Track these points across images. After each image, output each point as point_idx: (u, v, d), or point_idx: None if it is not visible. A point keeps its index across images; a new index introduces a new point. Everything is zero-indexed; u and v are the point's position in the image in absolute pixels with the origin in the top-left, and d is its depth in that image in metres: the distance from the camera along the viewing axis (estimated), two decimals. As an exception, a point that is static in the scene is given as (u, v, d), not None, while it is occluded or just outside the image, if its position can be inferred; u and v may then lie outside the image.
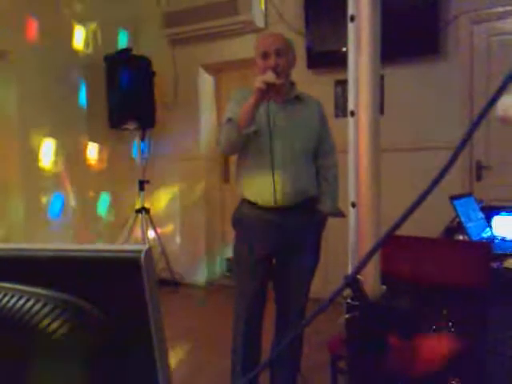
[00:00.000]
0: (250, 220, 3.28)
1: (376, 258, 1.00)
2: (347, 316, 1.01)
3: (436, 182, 0.82)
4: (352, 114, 1.02)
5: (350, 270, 1.05)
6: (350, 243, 1.06)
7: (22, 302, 0.80)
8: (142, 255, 0.77)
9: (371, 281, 1.02)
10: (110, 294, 0.82)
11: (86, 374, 0.81)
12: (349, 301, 1.00)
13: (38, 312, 0.79)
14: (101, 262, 0.81)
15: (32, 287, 0.81)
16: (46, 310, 0.79)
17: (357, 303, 0.99)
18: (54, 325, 0.78)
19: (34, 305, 0.79)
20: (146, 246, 0.78)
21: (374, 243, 0.98)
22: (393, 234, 0.84)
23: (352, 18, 1.00)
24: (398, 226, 0.83)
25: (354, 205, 1.05)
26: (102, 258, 0.81)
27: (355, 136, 1.02)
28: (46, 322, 0.78)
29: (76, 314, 0.80)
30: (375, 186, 1.02)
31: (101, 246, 0.82)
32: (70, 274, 0.83)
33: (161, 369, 0.80)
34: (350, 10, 1.01)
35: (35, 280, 0.82)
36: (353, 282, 0.96)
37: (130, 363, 0.82)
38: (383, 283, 1.09)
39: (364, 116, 1.01)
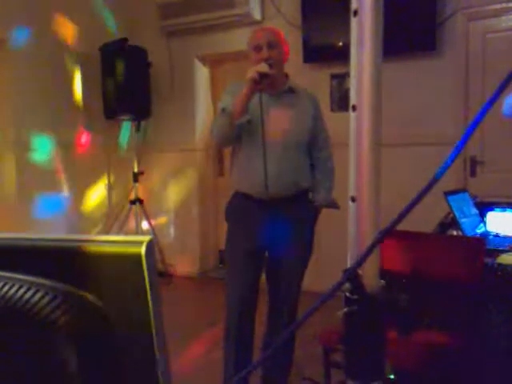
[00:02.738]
0: (242, 212, 3.29)
1: (375, 252, 1.00)
2: (346, 310, 1.01)
3: (435, 180, 0.83)
4: (354, 108, 1.03)
5: (349, 264, 1.05)
6: (349, 237, 1.06)
7: (21, 291, 0.80)
8: (144, 246, 0.77)
9: (370, 275, 1.03)
10: (110, 284, 0.82)
11: (86, 363, 0.81)
12: (348, 294, 1.01)
13: (38, 302, 0.79)
14: (102, 253, 0.81)
15: (32, 277, 0.81)
16: (46, 299, 0.79)
17: (356, 297, 1.00)
18: (54, 315, 0.78)
19: (34, 294, 0.79)
20: (148, 238, 0.78)
21: (375, 237, 0.98)
22: (393, 228, 0.84)
23: (355, 13, 1.00)
24: (398, 221, 0.84)
25: (353, 199, 1.05)
26: (104, 248, 0.81)
27: (356, 131, 1.03)
28: (46, 311, 0.78)
29: (76, 304, 0.80)
30: (375, 181, 1.03)
31: (103, 236, 0.82)
32: (71, 263, 0.83)
33: (160, 359, 0.80)
34: (354, 5, 1.01)
35: (35, 270, 0.82)
36: (353, 276, 0.97)
37: (130, 353, 0.82)
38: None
39: (366, 111, 1.01)
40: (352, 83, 1.03)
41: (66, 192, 6.36)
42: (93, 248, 0.82)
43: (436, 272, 2.97)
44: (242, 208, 3.29)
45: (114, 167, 7.06)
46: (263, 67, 3.02)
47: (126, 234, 6.77)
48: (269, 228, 3.19)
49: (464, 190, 3.85)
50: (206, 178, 7.13)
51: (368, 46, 1.00)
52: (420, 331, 2.97)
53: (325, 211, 3.43)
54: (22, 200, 5.88)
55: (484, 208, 3.70)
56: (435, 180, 0.84)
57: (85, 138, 6.62)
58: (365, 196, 1.03)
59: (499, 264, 2.96)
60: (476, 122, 0.84)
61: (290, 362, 3.40)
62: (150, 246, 0.78)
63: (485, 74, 5.17)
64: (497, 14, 5.15)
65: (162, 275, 6.68)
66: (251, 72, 3.00)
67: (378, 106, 1.01)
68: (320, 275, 4.89)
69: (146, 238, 0.78)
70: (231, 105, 3.10)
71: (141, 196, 6.86)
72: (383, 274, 1.08)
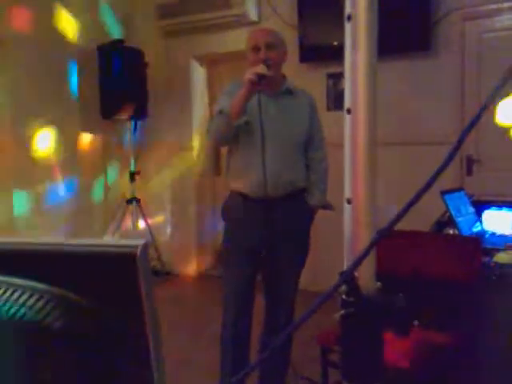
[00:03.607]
0: (238, 212, 3.30)
1: (371, 253, 1.00)
2: (342, 312, 1.01)
3: (433, 179, 0.83)
4: (349, 111, 1.03)
5: (345, 267, 1.05)
6: (345, 240, 1.06)
7: (16, 295, 0.80)
8: (139, 250, 0.77)
9: (366, 277, 1.03)
10: (105, 288, 0.82)
11: (81, 366, 0.81)
12: (344, 297, 1.01)
13: (32, 306, 0.79)
14: (97, 257, 0.81)
15: (27, 281, 0.81)
16: (41, 303, 0.79)
17: (352, 299, 1.00)
18: (49, 318, 0.78)
19: (28, 298, 0.79)
20: (143, 242, 0.78)
21: (372, 238, 0.98)
22: (390, 230, 0.84)
23: (349, 17, 1.00)
24: (395, 222, 0.83)
25: (349, 201, 1.05)
26: (99, 252, 0.81)
27: (352, 133, 1.03)
28: (40, 315, 0.78)
29: (71, 308, 0.80)
30: (371, 183, 1.03)
31: (98, 240, 0.82)
32: (66, 268, 0.83)
33: (155, 362, 0.80)
34: (348, 9, 1.01)
35: (30, 273, 0.82)
36: (350, 278, 0.96)
37: (126, 355, 0.82)
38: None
39: (361, 114, 1.01)
40: (347, 85, 1.03)
41: (62, 191, 6.35)
42: (88, 251, 0.82)
43: (433, 271, 2.97)
44: (238, 207, 3.30)
45: (110, 166, 7.05)
46: (262, 68, 3.01)
47: (123, 233, 6.78)
48: (264, 227, 3.19)
49: (460, 189, 3.85)
50: (203, 177, 7.14)
51: (363, 49, 1.00)
52: (417, 331, 2.97)
53: (321, 212, 3.44)
54: (18, 198, 5.86)
55: (480, 207, 3.70)
56: (433, 180, 0.83)
57: (82, 137, 6.61)
58: (361, 198, 1.03)
59: (496, 263, 2.97)
60: (472, 124, 0.83)
61: (287, 362, 3.40)
62: (145, 249, 0.78)
63: (481, 74, 5.17)
64: (492, 13, 5.15)
65: (159, 274, 6.69)
66: (249, 73, 2.99)
67: (373, 107, 1.01)
68: (316, 274, 4.90)
69: (141, 242, 0.78)
70: (229, 106, 3.09)
71: (137, 195, 6.86)
72: (380, 274, 1.08)
